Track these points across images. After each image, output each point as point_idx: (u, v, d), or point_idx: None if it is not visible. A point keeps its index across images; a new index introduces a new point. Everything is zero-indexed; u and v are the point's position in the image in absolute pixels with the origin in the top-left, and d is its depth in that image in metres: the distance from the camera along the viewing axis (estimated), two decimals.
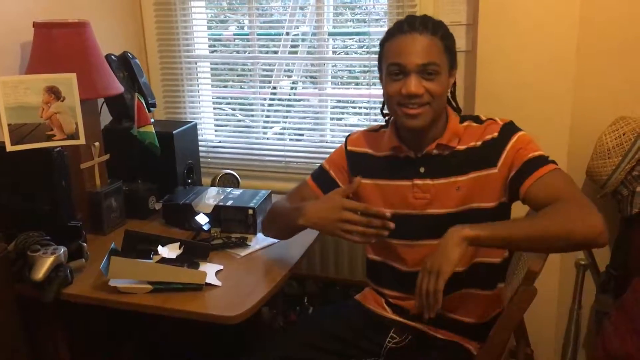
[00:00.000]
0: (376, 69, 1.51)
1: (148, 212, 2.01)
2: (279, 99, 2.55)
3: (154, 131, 1.96)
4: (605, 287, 2.06)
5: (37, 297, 1.46)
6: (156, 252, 1.60)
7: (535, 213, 1.34)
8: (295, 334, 1.56)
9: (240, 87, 2.60)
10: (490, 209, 1.42)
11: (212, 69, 2.59)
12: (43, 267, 1.45)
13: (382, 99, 1.50)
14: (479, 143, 1.43)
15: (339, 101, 2.47)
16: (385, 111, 1.55)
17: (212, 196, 1.95)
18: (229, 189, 2.05)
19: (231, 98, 2.67)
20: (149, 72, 2.53)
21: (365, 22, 2.39)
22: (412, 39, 1.36)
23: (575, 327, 2.16)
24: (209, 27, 2.58)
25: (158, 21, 2.49)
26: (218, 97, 2.65)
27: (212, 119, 2.63)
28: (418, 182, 1.46)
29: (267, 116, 2.55)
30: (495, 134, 1.42)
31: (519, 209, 1.48)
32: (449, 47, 1.40)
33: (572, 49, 1.89)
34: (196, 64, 2.56)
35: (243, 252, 1.71)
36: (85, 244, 1.62)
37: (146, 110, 1.98)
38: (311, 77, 2.51)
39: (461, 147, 1.44)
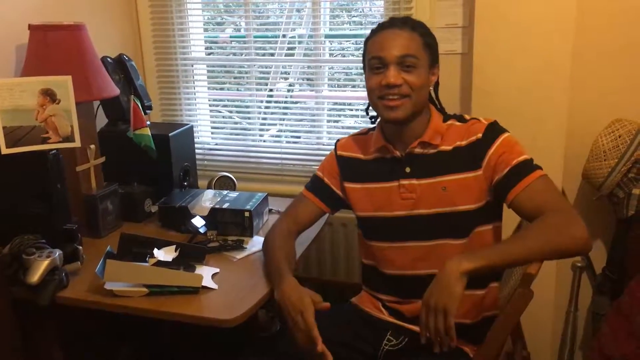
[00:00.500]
0: None
1: (144, 214, 2.01)
2: (276, 102, 2.55)
3: (150, 134, 1.95)
4: (601, 289, 2.06)
5: (32, 301, 1.45)
6: (152, 255, 1.59)
7: (523, 228, 1.42)
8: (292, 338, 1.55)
9: (237, 90, 2.60)
10: (477, 209, 1.43)
11: (208, 71, 2.59)
12: (38, 270, 1.44)
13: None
14: (464, 143, 1.44)
15: (335, 103, 2.47)
16: (371, 112, 1.56)
17: (208, 199, 1.95)
18: (225, 192, 2.04)
19: (227, 100, 2.66)
20: (145, 75, 2.52)
21: (361, 25, 2.39)
22: (392, 33, 1.41)
23: (572, 329, 2.17)
24: (205, 30, 2.58)
25: (154, 23, 2.49)
26: (214, 100, 2.64)
27: (208, 121, 2.63)
28: (404, 182, 1.47)
29: (264, 118, 2.55)
30: (480, 135, 1.43)
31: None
32: (428, 44, 1.43)
33: (568, 52, 1.89)
34: (192, 66, 2.56)
35: (239, 255, 1.71)
36: (80, 247, 1.62)
37: (142, 112, 1.97)
38: (308, 79, 2.51)
39: (447, 147, 1.45)
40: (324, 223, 1.85)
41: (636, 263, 1.89)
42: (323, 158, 1.67)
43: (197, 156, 2.36)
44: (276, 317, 2.26)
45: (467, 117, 1.50)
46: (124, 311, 1.45)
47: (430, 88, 1.47)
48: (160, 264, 1.55)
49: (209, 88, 2.62)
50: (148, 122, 2.00)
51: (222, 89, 2.64)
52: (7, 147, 1.59)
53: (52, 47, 1.77)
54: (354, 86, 2.44)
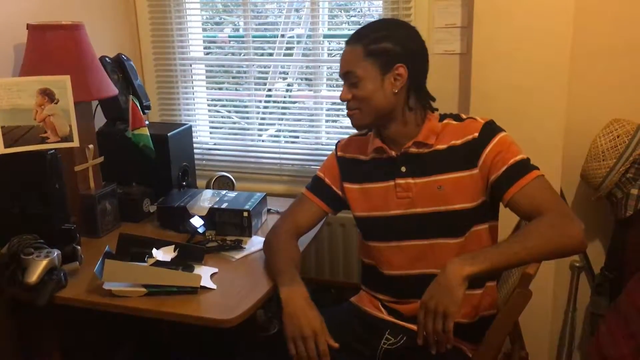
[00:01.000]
0: None
1: (142, 214, 2.00)
2: (274, 101, 2.55)
3: (148, 133, 1.95)
4: (600, 289, 2.06)
5: (30, 301, 1.44)
6: (151, 255, 1.59)
7: (522, 230, 1.41)
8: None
9: (235, 89, 2.60)
10: (473, 208, 1.44)
11: (207, 71, 2.59)
12: (36, 270, 1.44)
13: None
14: (459, 142, 1.45)
15: (334, 103, 2.47)
16: None
17: (207, 199, 1.95)
18: (224, 192, 2.04)
19: (226, 100, 2.66)
20: (143, 74, 2.52)
21: (360, 25, 2.38)
22: (343, 51, 1.47)
23: (570, 329, 2.17)
24: (204, 29, 2.58)
25: (153, 23, 2.49)
26: (213, 100, 2.64)
27: (207, 121, 2.63)
28: (400, 181, 1.48)
29: (262, 118, 2.55)
30: (476, 134, 1.44)
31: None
32: (370, 51, 1.41)
33: (566, 52, 1.89)
34: (191, 66, 2.55)
35: (238, 255, 1.71)
36: (79, 247, 1.61)
37: (141, 112, 1.97)
38: (306, 79, 2.51)
39: (442, 145, 1.46)
40: (323, 223, 1.85)
41: (634, 263, 1.90)
42: (322, 158, 1.69)
43: (196, 156, 2.36)
44: (275, 318, 2.26)
45: (463, 116, 1.50)
46: (123, 311, 1.45)
47: (395, 90, 1.42)
48: (158, 264, 1.55)
49: (207, 88, 2.61)
50: (146, 122, 2.00)
51: (220, 88, 2.64)
52: (5, 147, 1.59)
53: (50, 47, 1.77)
54: None
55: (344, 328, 1.52)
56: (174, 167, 2.11)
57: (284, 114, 2.53)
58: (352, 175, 1.57)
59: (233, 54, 2.56)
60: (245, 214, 1.82)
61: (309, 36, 2.40)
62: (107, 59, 2.07)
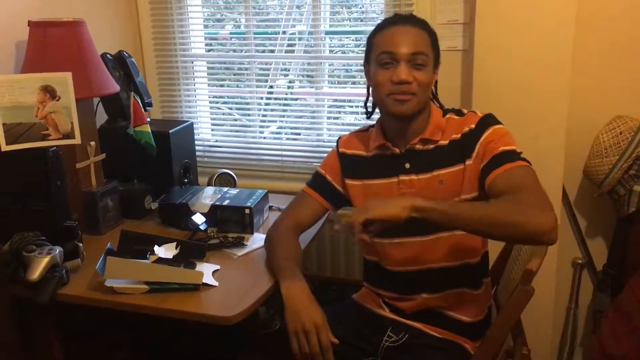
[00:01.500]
0: None
1: (144, 212, 2.00)
2: (276, 98, 2.55)
3: (150, 130, 1.95)
4: (602, 286, 2.06)
5: (32, 298, 1.44)
6: (152, 252, 1.59)
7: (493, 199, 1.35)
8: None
9: (237, 86, 2.60)
10: (472, 200, 1.43)
11: (208, 68, 2.59)
12: (38, 267, 1.44)
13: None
14: (459, 136, 1.45)
15: (335, 100, 2.47)
16: (369, 106, 1.58)
17: (208, 196, 1.95)
18: (225, 189, 2.04)
19: (228, 97, 2.66)
20: (145, 71, 2.52)
21: (361, 21, 2.39)
22: (403, 29, 1.41)
23: (572, 326, 2.17)
24: (205, 26, 2.58)
25: (154, 20, 2.48)
26: (214, 96, 2.64)
27: (208, 118, 2.63)
28: (404, 177, 1.48)
29: (264, 115, 2.55)
30: (473, 126, 1.44)
31: None
32: (434, 43, 1.44)
33: (569, 48, 1.89)
34: (192, 63, 2.55)
35: (240, 252, 1.71)
36: (81, 244, 1.61)
37: (142, 109, 1.97)
38: (308, 76, 2.50)
39: (444, 141, 1.46)
40: (324, 220, 1.85)
41: (637, 260, 1.89)
42: (323, 155, 1.68)
43: (197, 153, 2.36)
44: (276, 315, 2.26)
45: (464, 110, 1.50)
46: (124, 308, 1.45)
47: (432, 86, 1.49)
48: (160, 261, 1.55)
49: (209, 85, 2.61)
50: (148, 119, 2.00)
51: (222, 85, 2.64)
52: (7, 144, 1.59)
53: (51, 44, 1.76)
54: (354, 83, 2.43)
55: (346, 325, 1.52)
56: (176, 164, 2.10)
57: (285, 111, 2.53)
58: (354, 172, 1.57)
59: (234, 50, 2.56)
60: (247, 211, 1.82)
61: (310, 33, 2.39)
62: (108, 55, 2.07)
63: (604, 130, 1.92)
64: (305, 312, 1.33)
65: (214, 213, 1.85)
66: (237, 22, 2.63)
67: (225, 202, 1.87)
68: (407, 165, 1.48)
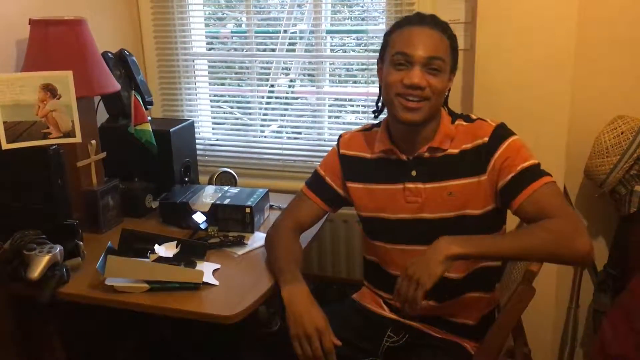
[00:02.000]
0: (374, 67, 1.50)
1: (145, 210, 2.00)
2: (277, 97, 2.55)
3: (150, 129, 1.95)
4: (603, 286, 2.06)
5: (32, 297, 1.44)
6: (153, 251, 1.59)
7: (526, 226, 1.35)
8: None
9: (238, 85, 2.60)
10: (483, 214, 1.41)
11: (209, 66, 2.59)
12: (39, 266, 1.44)
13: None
14: (470, 146, 1.41)
15: (336, 99, 2.47)
16: (379, 105, 1.52)
17: (209, 195, 1.95)
18: (226, 188, 2.04)
19: (229, 96, 2.66)
20: (146, 70, 2.52)
21: (363, 20, 2.39)
22: (422, 31, 1.35)
23: (573, 326, 2.16)
24: (207, 25, 2.57)
25: (155, 18, 2.48)
26: (215, 95, 2.64)
27: (209, 117, 2.63)
28: (409, 185, 1.44)
29: (265, 114, 2.55)
30: (486, 139, 1.39)
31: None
32: (453, 48, 1.40)
33: (570, 48, 1.88)
34: (193, 61, 2.55)
35: (240, 251, 1.71)
36: (81, 243, 1.61)
37: (143, 108, 1.96)
38: (309, 75, 2.50)
39: (454, 150, 1.42)
40: (324, 220, 1.85)
41: (638, 260, 1.89)
42: (324, 154, 1.65)
43: (198, 152, 2.35)
44: (277, 314, 2.25)
45: (473, 116, 1.46)
46: (125, 307, 1.45)
47: (446, 93, 1.43)
48: (161, 259, 1.55)
49: (210, 83, 2.61)
50: (149, 118, 2.00)
51: (223, 84, 2.64)
52: (7, 143, 1.58)
53: (52, 42, 1.76)
54: (355, 82, 2.43)
55: (346, 325, 1.51)
56: (177, 163, 2.10)
57: (286, 109, 2.53)
58: (356, 175, 1.53)
59: (235, 49, 2.56)
60: (248, 210, 1.82)
61: (311, 32, 2.39)
62: (109, 54, 2.07)
63: (605, 130, 1.91)
64: (307, 316, 1.33)
65: (215, 212, 1.84)
66: (238, 20, 2.63)
67: (226, 201, 1.87)
68: (414, 173, 1.44)
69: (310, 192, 1.60)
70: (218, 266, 1.60)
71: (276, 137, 2.55)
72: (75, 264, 1.57)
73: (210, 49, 2.59)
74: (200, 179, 2.31)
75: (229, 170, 2.26)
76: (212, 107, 2.63)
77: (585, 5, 1.90)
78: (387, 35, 1.42)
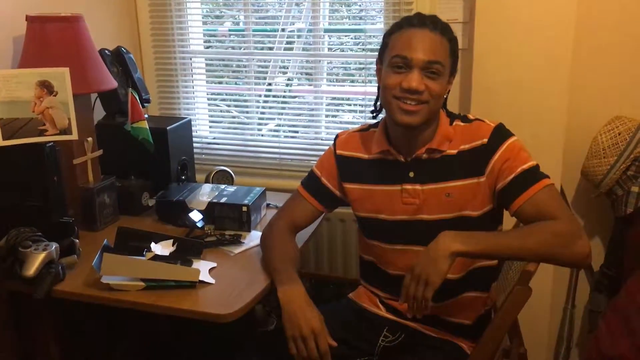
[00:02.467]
0: (371, 66, 1.50)
1: (141, 208, 2.00)
2: (274, 96, 2.54)
3: (147, 127, 1.94)
4: (599, 287, 2.06)
5: (28, 294, 1.44)
6: (149, 249, 1.59)
7: (529, 226, 1.33)
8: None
9: (235, 84, 2.59)
10: (480, 216, 1.41)
11: (207, 64, 2.58)
12: (34, 263, 1.44)
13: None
14: (468, 147, 1.40)
15: (334, 98, 2.47)
16: (378, 105, 1.51)
17: (206, 193, 1.94)
18: (223, 186, 2.03)
19: (226, 94, 2.65)
20: (143, 68, 2.51)
21: (361, 19, 2.38)
22: (422, 34, 1.34)
23: (569, 327, 2.17)
24: (204, 23, 2.57)
25: (153, 16, 2.47)
26: (213, 93, 2.63)
27: (206, 115, 2.62)
28: (407, 187, 1.44)
29: (262, 113, 2.54)
30: (485, 140, 1.38)
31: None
32: (453, 51, 1.39)
33: (568, 48, 1.88)
34: (191, 59, 2.54)
35: (237, 250, 1.70)
36: (77, 240, 1.61)
37: (140, 105, 1.96)
38: (306, 73, 2.50)
39: (452, 151, 1.41)
40: (321, 219, 1.85)
41: (634, 261, 1.89)
42: (321, 153, 1.64)
43: (195, 150, 2.35)
44: (273, 313, 2.25)
45: (471, 117, 1.45)
46: (121, 305, 1.44)
47: (445, 96, 1.42)
48: (157, 258, 1.55)
49: (207, 82, 2.60)
50: (146, 116, 1.99)
51: (220, 82, 2.63)
52: (3, 139, 1.58)
53: (49, 39, 1.75)
54: (352, 81, 2.43)
55: (342, 324, 1.51)
56: (173, 161, 2.10)
57: (283, 108, 2.52)
58: (353, 175, 1.52)
59: (233, 47, 2.55)
60: (245, 208, 1.82)
61: (309, 30, 2.39)
62: (106, 51, 2.06)
63: (602, 131, 1.92)
64: (303, 317, 1.32)
65: (212, 210, 1.84)
66: (236, 19, 2.62)
67: (223, 200, 1.87)
68: (411, 174, 1.43)
69: (305, 192, 1.59)
70: (214, 265, 1.59)
71: (273, 136, 2.54)
72: (71, 261, 1.56)
73: (207, 47, 2.58)
74: (197, 177, 2.31)
75: (225, 168, 2.26)
76: (209, 105, 2.63)
77: (584, 6, 1.90)
78: (387, 36, 1.41)
